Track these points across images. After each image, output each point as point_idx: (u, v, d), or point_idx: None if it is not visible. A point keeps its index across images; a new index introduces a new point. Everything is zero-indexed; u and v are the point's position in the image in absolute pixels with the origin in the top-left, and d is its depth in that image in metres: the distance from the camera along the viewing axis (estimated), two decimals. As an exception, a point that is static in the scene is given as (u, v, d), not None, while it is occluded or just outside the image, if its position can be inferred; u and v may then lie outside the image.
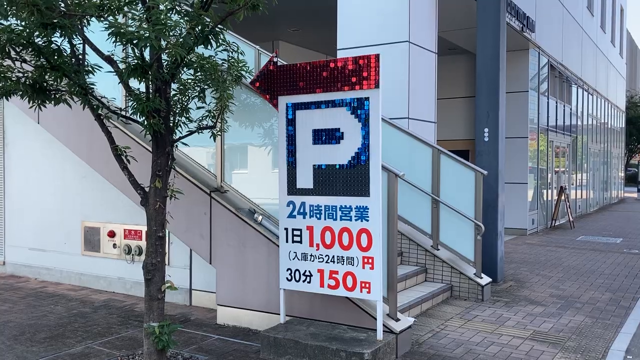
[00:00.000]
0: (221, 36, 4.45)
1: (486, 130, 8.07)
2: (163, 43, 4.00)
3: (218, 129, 5.13)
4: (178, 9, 4.09)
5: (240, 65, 4.94)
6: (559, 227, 15.72)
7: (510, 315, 6.40)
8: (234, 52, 4.78)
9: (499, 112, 8.03)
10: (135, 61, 4.23)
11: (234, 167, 6.14)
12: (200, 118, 5.13)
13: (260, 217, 5.70)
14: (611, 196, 27.27)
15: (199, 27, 4.26)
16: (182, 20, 4.11)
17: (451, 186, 7.21)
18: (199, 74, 4.87)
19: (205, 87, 4.99)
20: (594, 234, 14.12)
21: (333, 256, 4.91)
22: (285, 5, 10.17)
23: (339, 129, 4.87)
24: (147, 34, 3.78)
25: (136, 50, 4.18)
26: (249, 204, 5.89)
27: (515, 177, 13.52)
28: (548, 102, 15.61)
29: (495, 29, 7.98)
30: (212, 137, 5.10)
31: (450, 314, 6.40)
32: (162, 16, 3.89)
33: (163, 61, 4.57)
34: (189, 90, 4.99)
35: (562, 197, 15.77)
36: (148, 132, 4.53)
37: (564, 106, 17.53)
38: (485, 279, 7.15)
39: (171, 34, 3.93)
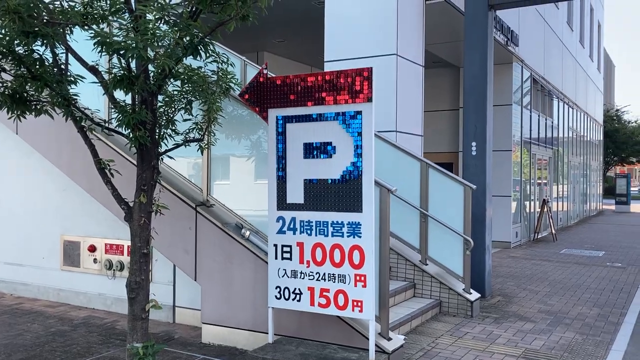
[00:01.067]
0: (210, 47, 4.32)
1: (474, 143, 8.03)
2: (151, 53, 3.85)
3: (205, 142, 4.98)
4: (167, 18, 3.95)
5: (229, 77, 4.81)
6: (542, 240, 15.77)
7: (501, 332, 6.31)
8: (223, 64, 4.65)
9: (486, 125, 7.99)
10: (121, 72, 4.08)
11: (220, 181, 5.98)
12: (187, 130, 4.99)
13: (247, 233, 5.55)
14: (590, 208, 27.55)
15: (188, 38, 4.12)
16: (170, 31, 3.97)
17: (440, 200, 7.13)
18: (187, 85, 4.73)
19: (193, 99, 4.86)
20: (577, 247, 14.17)
21: (324, 274, 4.77)
22: (270, 16, 10.08)
23: (331, 142, 4.75)
24: (135, 44, 3.63)
25: (122, 61, 4.04)
26: (235, 218, 5.73)
27: (499, 190, 13.54)
28: (530, 115, 15.70)
29: (483, 42, 7.96)
30: (199, 150, 4.95)
31: (440, 331, 6.28)
32: (150, 25, 3.75)
33: (150, 72, 4.42)
34: (175, 102, 4.85)
35: (545, 210, 15.84)
36: (133, 145, 4.37)
37: (546, 119, 17.67)
38: (474, 295, 7.06)
39: (159, 44, 3.78)
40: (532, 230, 15.90)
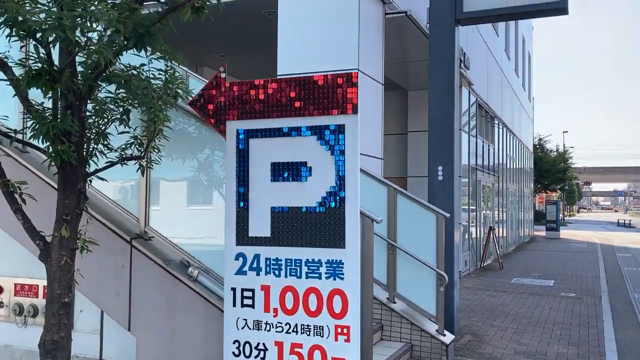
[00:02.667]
0: (160, 40, 3.39)
1: (440, 168, 7.38)
2: (82, 39, 2.89)
3: (147, 160, 3.99)
4: (103, -4, 3.00)
5: (177, 81, 3.89)
6: (489, 268, 15.41)
7: (484, 380, 5.58)
8: (172, 64, 3.71)
9: (454, 147, 7.37)
10: (39, 65, 3.09)
11: (162, 208, 4.96)
12: (124, 146, 4.00)
13: (195, 272, 4.56)
14: (524, 235, 27.87)
15: (130, 25, 3.19)
16: (107, 10, 3.02)
17: (409, 230, 6.39)
18: (122, 90, 3.76)
19: (130, 107, 3.89)
20: (525, 276, 13.84)
21: (296, 325, 3.85)
22: (211, 26, 9.19)
23: (306, 163, 3.88)
24: (59, 22, 2.66)
25: (40, 49, 3.04)
26: (180, 254, 4.72)
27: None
28: (477, 141, 15.45)
29: (450, 59, 7.38)
30: (139, 170, 3.96)
31: (417, 381, 5.48)
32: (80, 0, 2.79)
33: (78, 66, 3.44)
34: (108, 112, 3.87)
35: (491, 238, 15.53)
36: (54, 163, 3.36)
37: (489, 145, 17.54)
38: (448, 337, 6.30)
39: (94, 25, 2.82)
40: (478, 258, 15.52)
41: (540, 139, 44.81)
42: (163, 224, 4.84)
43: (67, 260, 3.51)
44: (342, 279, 3.75)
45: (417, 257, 6.22)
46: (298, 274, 3.86)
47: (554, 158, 45.17)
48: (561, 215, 42.63)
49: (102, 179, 3.88)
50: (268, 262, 3.94)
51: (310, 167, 3.86)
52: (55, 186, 3.57)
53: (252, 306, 3.97)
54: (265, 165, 3.98)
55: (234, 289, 4.03)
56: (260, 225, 3.98)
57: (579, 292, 11.58)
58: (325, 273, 3.79)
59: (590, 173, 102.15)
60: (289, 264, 3.89)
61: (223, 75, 4.13)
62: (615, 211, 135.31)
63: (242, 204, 4.02)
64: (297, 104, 3.89)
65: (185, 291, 4.50)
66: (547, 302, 10.17)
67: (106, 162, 3.80)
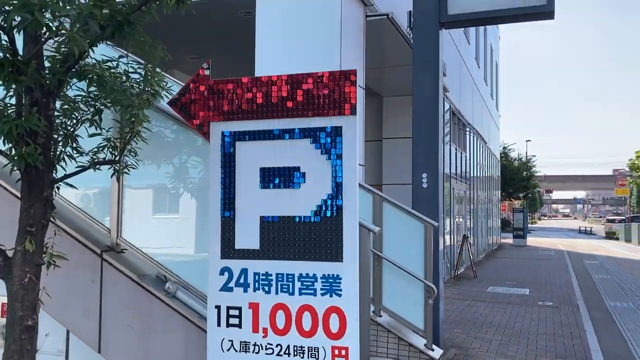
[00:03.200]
0: (140, 30, 3.03)
1: (425, 175, 7.13)
2: (52, 22, 2.51)
3: (123, 165, 3.60)
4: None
5: (156, 78, 3.52)
6: (463, 277, 15.27)
7: (477, 398, 5.31)
8: (152, 59, 3.33)
9: (438, 154, 7.14)
10: (0, 54, 2.69)
11: (135, 217, 4.55)
12: (96, 149, 3.61)
13: (174, 288, 4.17)
14: (492, 242, 28.00)
15: (107, 11, 2.82)
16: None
17: (396, 240, 6.12)
18: (93, 88, 3.38)
19: (103, 107, 3.50)
20: (500, 284, 13.73)
21: (288, 346, 3.50)
22: (183, 25, 8.79)
23: (299, 168, 3.55)
24: (25, 2, 2.28)
25: (3, 35, 2.65)
26: (157, 267, 4.32)
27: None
28: (450, 149, 15.35)
29: (434, 63, 7.16)
30: (113, 176, 3.56)
31: (408, 400, 5.17)
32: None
33: (46, 59, 3.05)
34: (77, 112, 3.47)
35: (465, 246, 15.42)
36: (17, 168, 2.96)
37: (461, 153, 17.48)
38: (437, 351, 6.03)
39: (67, 6, 2.44)
40: (452, 267, 15.38)
41: (504, 148, 45.40)
42: (137, 235, 4.43)
43: (32, 278, 3.10)
44: (339, 295, 3.43)
45: (404, 268, 5.94)
46: (290, 290, 3.52)
47: (518, 166, 45.87)
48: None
49: (71, 185, 3.47)
50: (257, 277, 3.59)
51: (304, 173, 3.53)
52: (18, 194, 3.16)
53: (239, 326, 3.61)
54: (253, 170, 3.64)
55: (218, 307, 3.66)
56: (248, 237, 3.62)
57: (555, 300, 11.49)
58: (321, 289, 3.46)
59: (551, 181, 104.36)
60: (280, 279, 3.55)
61: (207, 72, 3.78)
62: (575, 218, 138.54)
63: (227, 213, 3.66)
64: (289, 104, 3.56)
65: (162, 309, 4.11)
66: (527, 312, 10.02)
67: (77, 167, 3.40)
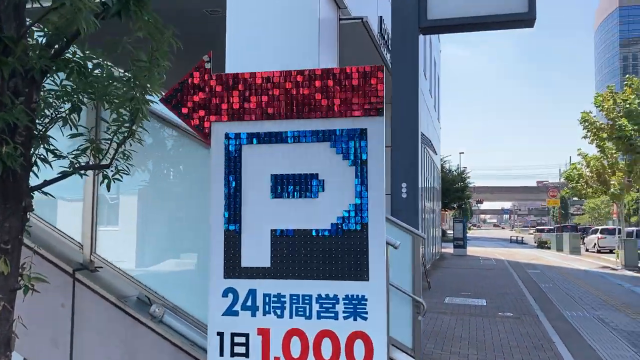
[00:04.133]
0: (150, 9, 2.56)
1: (404, 184, 6.86)
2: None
3: (114, 170, 3.07)
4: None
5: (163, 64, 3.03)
6: (417, 288, 15.14)
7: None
8: (160, 44, 2.84)
9: (418, 163, 6.89)
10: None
11: (113, 230, 4.00)
12: (77, 152, 3.08)
13: (160, 311, 3.65)
14: (435, 252, 28.29)
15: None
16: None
17: (382, 253, 5.77)
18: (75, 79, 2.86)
19: (80, 103, 2.99)
20: (455, 295, 13.67)
21: (305, 378, 3.08)
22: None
23: (317, 175, 3.15)
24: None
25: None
26: (139, 287, 3.79)
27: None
28: (405, 159, 15.26)
29: (413, 68, 6.94)
30: (102, 184, 3.03)
31: None
32: None
33: (30, 41, 2.53)
34: (51, 108, 2.95)
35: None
36: (-8, 171, 2.43)
37: (413, 164, 17.46)
38: (425, 370, 5.73)
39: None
40: (406, 278, 15.24)
41: (441, 159, 46.34)
42: (115, 251, 3.89)
43: (6, 306, 2.56)
44: (365, 319, 3.04)
45: (391, 282, 5.60)
46: (307, 314, 3.10)
47: (453, 177, 46.94)
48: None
49: (46, 194, 2.93)
50: (267, 299, 3.15)
51: (323, 181, 3.14)
52: (-10, 203, 2.60)
53: (246, 355, 3.16)
54: (263, 177, 3.21)
55: (221, 334, 3.19)
56: (256, 253, 3.19)
57: (514, 311, 11.49)
58: (344, 312, 3.07)
59: (480, 192, 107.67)
60: (295, 301, 3.13)
61: (208, 65, 3.32)
62: (503, 228, 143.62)
63: (232, 227, 3.21)
64: (306, 102, 3.16)
65: (147, 335, 3.59)
66: (491, 324, 9.92)
67: (59, 173, 2.86)
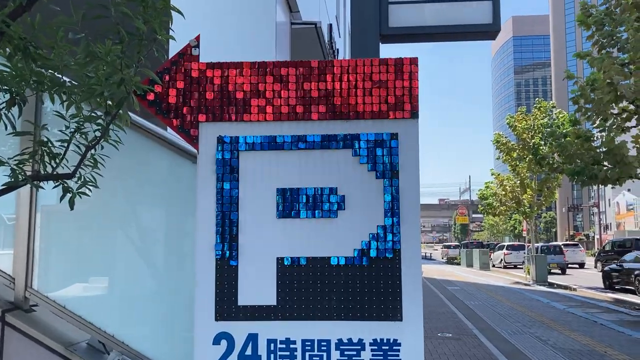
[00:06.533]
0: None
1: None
2: None
3: (81, 181, 2.30)
4: None
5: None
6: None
7: None
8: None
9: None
10: None
11: (55, 259, 3.16)
12: (19, 157, 2.31)
13: (120, 360, 2.88)
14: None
15: None
16: None
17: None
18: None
19: (17, 96, 2.26)
20: (389, 315, 13.34)
21: None
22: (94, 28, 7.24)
23: (336, 189, 2.55)
24: None
25: None
26: (91, 330, 2.98)
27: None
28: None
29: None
30: (65, 197, 2.25)
31: None
32: None
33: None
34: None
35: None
36: None
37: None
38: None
39: None
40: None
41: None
42: (58, 284, 3.06)
43: None
44: (398, 368, 2.46)
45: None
46: (325, 364, 2.48)
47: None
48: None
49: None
50: (272, 345, 2.50)
51: (344, 196, 2.54)
52: None
53: (245, 420, 2.47)
54: (267, 192, 2.56)
55: (211, 393, 2.49)
56: (258, 288, 2.53)
57: (452, 331, 11.27)
58: (371, 360, 2.47)
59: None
60: (308, 347, 2.49)
61: (195, 51, 2.65)
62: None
63: (226, 254, 2.54)
64: (322, 101, 2.56)
65: (103, 394, 2.80)
66: (436, 345, 9.59)
67: (3, 184, 2.08)
